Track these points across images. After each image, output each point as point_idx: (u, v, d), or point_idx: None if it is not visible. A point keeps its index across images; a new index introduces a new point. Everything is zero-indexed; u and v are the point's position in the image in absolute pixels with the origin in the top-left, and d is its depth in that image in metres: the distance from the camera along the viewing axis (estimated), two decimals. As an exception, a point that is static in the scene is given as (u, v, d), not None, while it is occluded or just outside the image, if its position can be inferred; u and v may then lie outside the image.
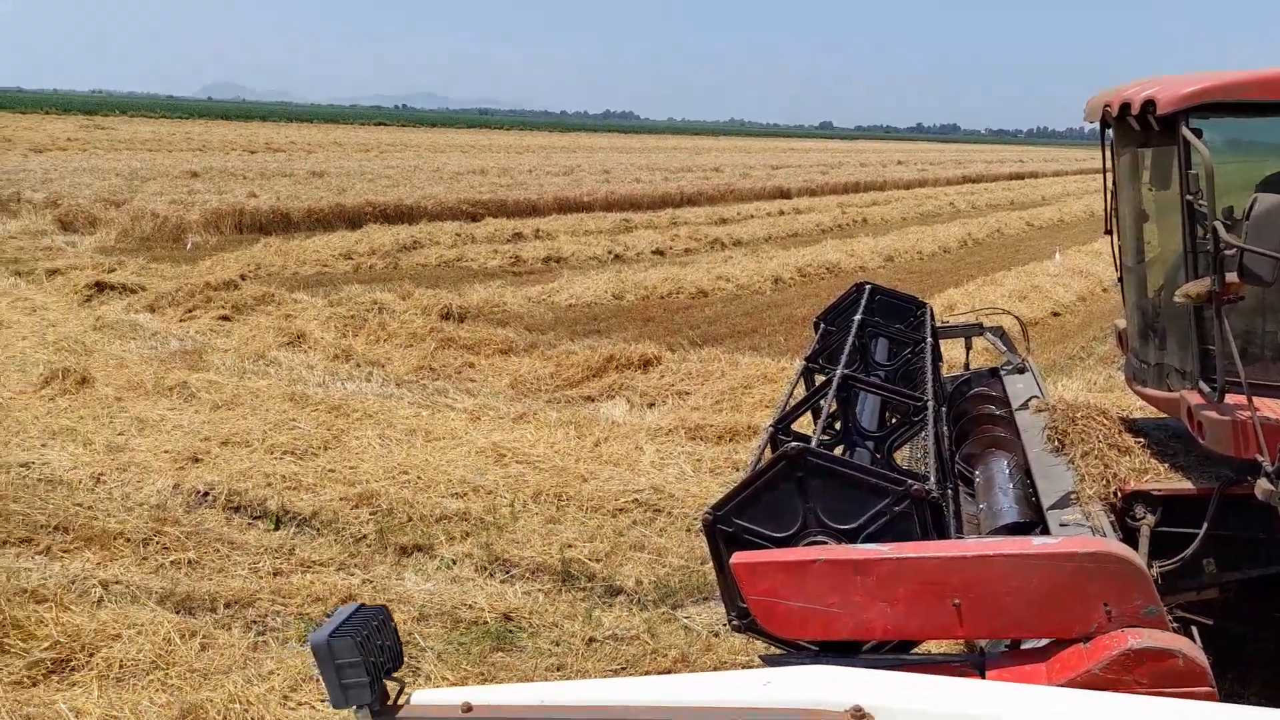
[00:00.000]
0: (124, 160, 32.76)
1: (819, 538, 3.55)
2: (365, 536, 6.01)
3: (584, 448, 7.50)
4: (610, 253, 18.91)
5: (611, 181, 31.89)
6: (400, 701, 1.67)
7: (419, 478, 6.78)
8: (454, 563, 5.67)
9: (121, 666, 4.24)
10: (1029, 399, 5.78)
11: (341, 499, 6.44)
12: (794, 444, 3.60)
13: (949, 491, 4.78)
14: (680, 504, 6.47)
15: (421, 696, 1.63)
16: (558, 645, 4.81)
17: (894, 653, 3.39)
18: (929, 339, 5.98)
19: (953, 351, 8.37)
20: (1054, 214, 30.26)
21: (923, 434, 4.65)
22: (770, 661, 3.57)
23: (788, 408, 4.76)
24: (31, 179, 24.16)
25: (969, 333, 7.05)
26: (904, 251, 20.32)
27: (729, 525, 3.62)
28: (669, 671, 4.53)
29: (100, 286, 13.20)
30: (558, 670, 4.54)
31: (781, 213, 27.81)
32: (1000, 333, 6.99)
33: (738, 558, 3.38)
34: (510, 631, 4.94)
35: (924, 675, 1.83)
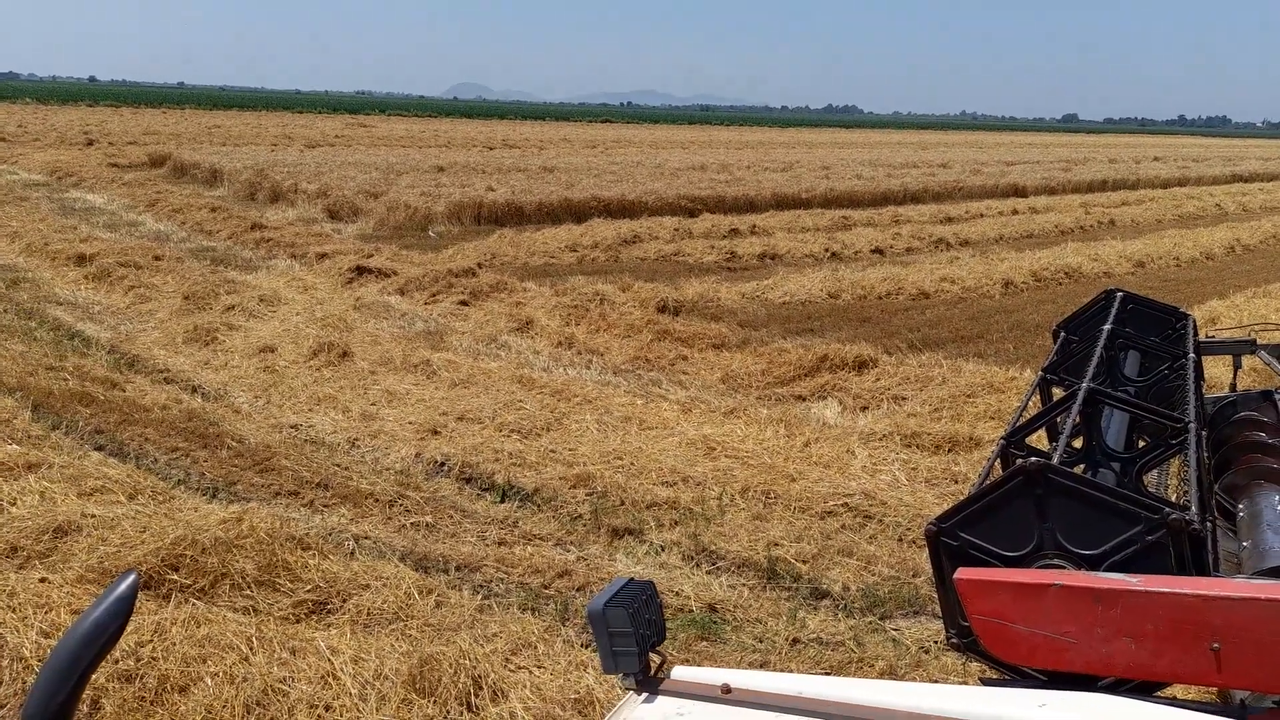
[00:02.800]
0: (382, 155, 36.16)
1: (1056, 561, 3.33)
2: (581, 516, 6.31)
3: (793, 447, 7.45)
4: (827, 250, 18.57)
5: (831, 178, 31.24)
6: (661, 675, 1.75)
7: (632, 464, 7.02)
8: (663, 549, 5.83)
9: (369, 614, 4.72)
10: (1317, 427, 5.10)
11: (561, 478, 6.79)
12: (1034, 459, 3.39)
13: (1209, 524, 4.32)
14: (892, 512, 6.28)
15: (682, 672, 1.69)
16: (761, 641, 4.83)
17: (1134, 694, 3.12)
18: (1190, 354, 5.42)
19: (1217, 370, 7.54)
20: (1348, 218, 26.29)
21: (1179, 459, 4.23)
22: (989, 684, 3.39)
23: (1021, 420, 4.48)
24: (306, 172, 27.23)
25: (1238, 350, 6.30)
26: (1158, 257, 18.44)
27: (954, 539, 3.46)
28: (878, 682, 4.43)
29: (360, 270, 14.68)
30: (761, 666, 4.56)
31: (1015, 212, 26.06)
32: (1276, 351, 6.20)
33: (964, 573, 3.23)
34: (715, 623, 5.02)
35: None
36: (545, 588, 5.29)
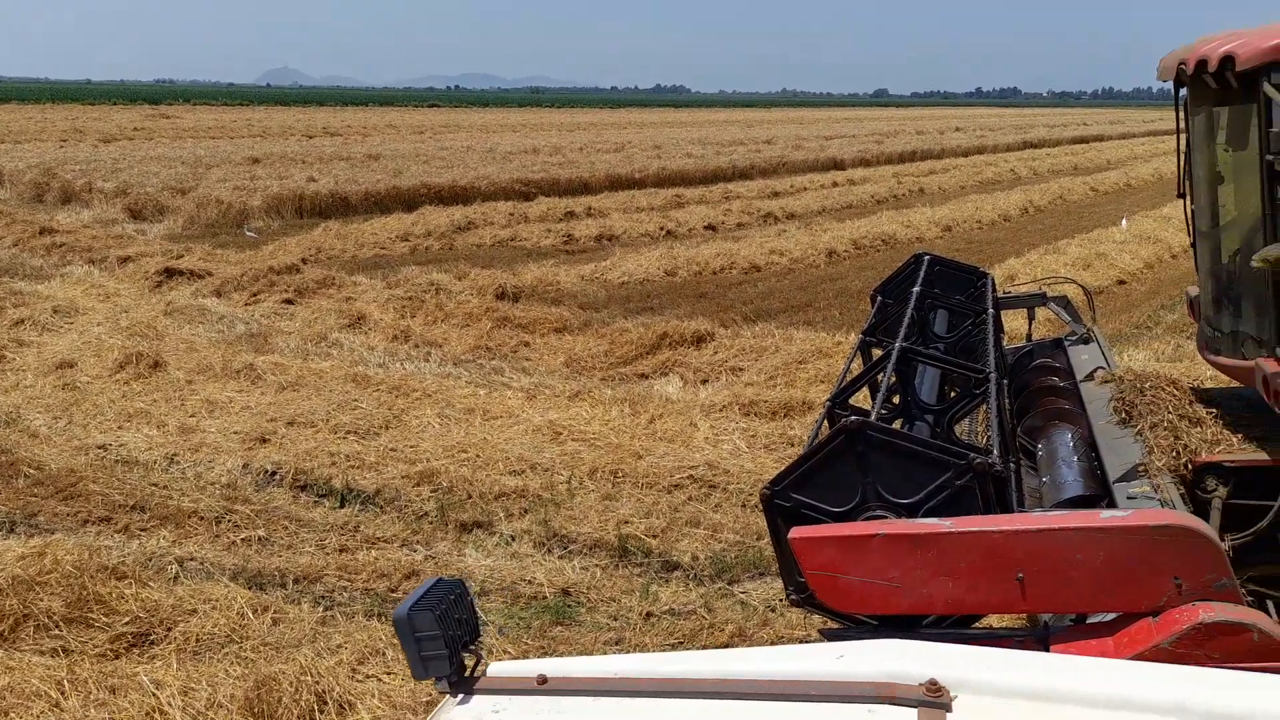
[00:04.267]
0: (188, 148, 33.66)
1: (879, 512, 3.53)
2: (427, 514, 6.15)
3: (638, 425, 7.55)
4: (662, 229, 18.86)
5: (663, 157, 31.73)
6: (477, 673, 1.70)
7: (478, 456, 6.91)
8: (513, 539, 5.77)
9: (198, 640, 4.42)
10: (1094, 370, 5.64)
11: (403, 477, 6.59)
12: (854, 418, 3.57)
13: (1011, 465, 4.71)
14: (735, 480, 6.48)
15: (497, 668, 1.66)
16: (615, 620, 4.88)
17: (955, 627, 3.36)
18: (990, 310, 5.86)
19: (1015, 322, 8.21)
20: (1120, 178, 29.25)
21: (984, 407, 4.58)
22: (830, 636, 3.57)
23: (845, 382, 4.72)
24: (102, 169, 24.96)
25: (1032, 303, 6.88)
26: (962, 221, 19.88)
27: (787, 500, 3.62)
28: (727, 646, 4.57)
29: (169, 273, 13.64)
30: (616, 644, 4.61)
31: (835, 184, 27.38)
32: (1064, 302, 6.81)
33: (796, 532, 3.38)
34: (569, 606, 5.02)
35: (998, 649, 1.81)
36: (392, 591, 5.13)
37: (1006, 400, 5.94)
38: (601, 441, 7.18)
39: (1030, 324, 6.99)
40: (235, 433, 7.42)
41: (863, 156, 35.09)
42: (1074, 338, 6.49)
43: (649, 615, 4.89)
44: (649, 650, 4.50)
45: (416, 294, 12.03)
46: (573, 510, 6.10)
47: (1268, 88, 3.74)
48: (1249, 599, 3.01)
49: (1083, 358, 6.08)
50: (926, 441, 3.62)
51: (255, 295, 12.46)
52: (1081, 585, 2.98)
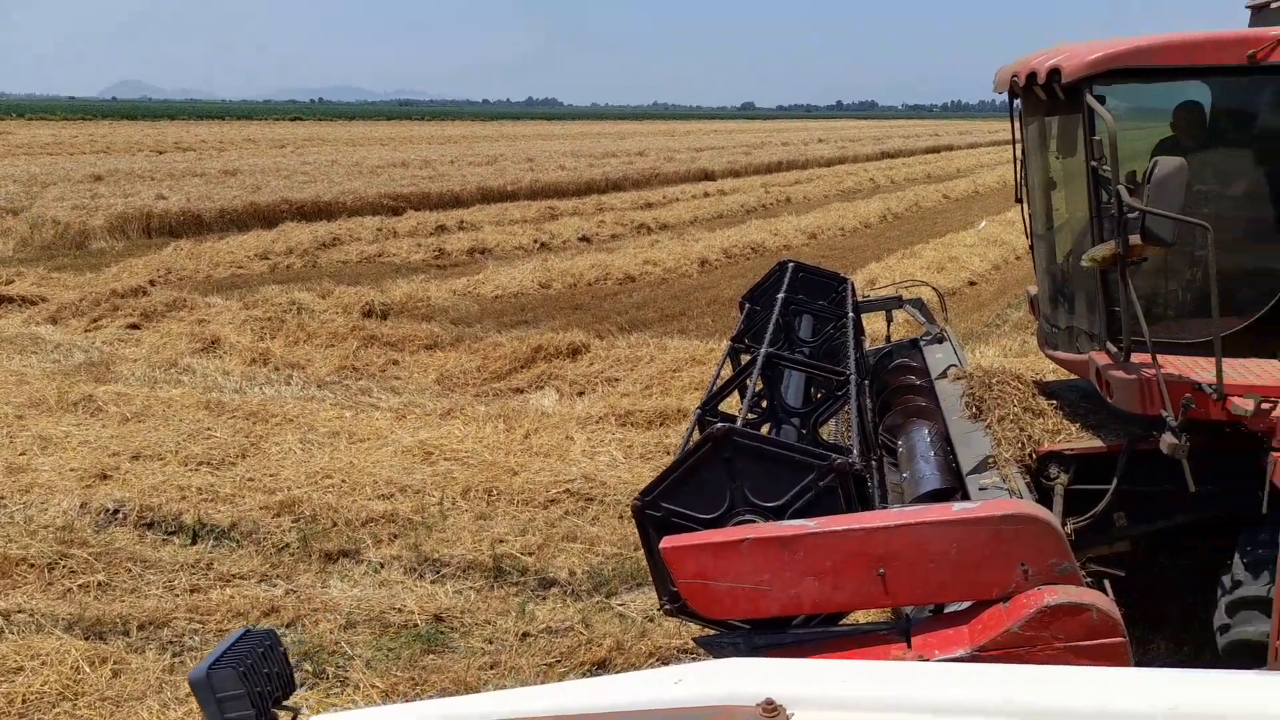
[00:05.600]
0: (21, 165, 31.14)
1: (747, 517, 3.55)
2: (288, 545, 5.83)
3: (514, 440, 7.41)
4: (536, 241, 18.73)
5: (535, 170, 31.58)
6: None
7: (343, 481, 6.61)
8: (382, 566, 5.54)
9: (25, 701, 4.01)
10: (947, 367, 5.91)
11: (262, 508, 6.23)
12: (720, 425, 3.59)
13: (873, 463, 4.85)
14: (612, 491, 6.44)
15: None
16: (491, 643, 4.74)
17: (823, 625, 3.42)
18: (850, 314, 6.06)
19: (876, 324, 8.53)
20: (969, 186, 31.05)
21: (846, 408, 4.70)
22: (703, 644, 3.57)
23: (714, 389, 4.76)
24: (-82, 188, 22.79)
25: (889, 305, 7.16)
26: (827, 228, 20.61)
27: (658, 510, 3.60)
28: (604, 661, 4.51)
29: (-4, 299, 12.54)
30: (491, 668, 4.48)
31: (706, 195, 27.92)
32: (919, 304, 7.12)
33: (667, 542, 3.36)
34: (442, 633, 4.85)
35: (834, 660, 1.84)
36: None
37: (868, 400, 6.16)
38: (475, 459, 7.01)
39: (889, 325, 7.27)
40: (72, 470, 6.84)
41: (732, 167, 35.95)
42: (929, 337, 6.78)
43: (525, 636, 4.78)
44: (524, 672, 4.39)
45: (277, 314, 11.47)
46: (445, 532, 5.91)
47: (1090, 99, 3.99)
48: (1088, 580, 3.18)
49: (937, 356, 6.36)
50: (790, 445, 3.67)
51: (96, 321, 11.59)
52: (938, 576, 3.08)
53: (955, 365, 5.89)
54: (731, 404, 4.87)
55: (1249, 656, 3.88)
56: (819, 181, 32.57)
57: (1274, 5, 4.77)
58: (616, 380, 9.19)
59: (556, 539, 5.85)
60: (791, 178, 34.15)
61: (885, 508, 4.24)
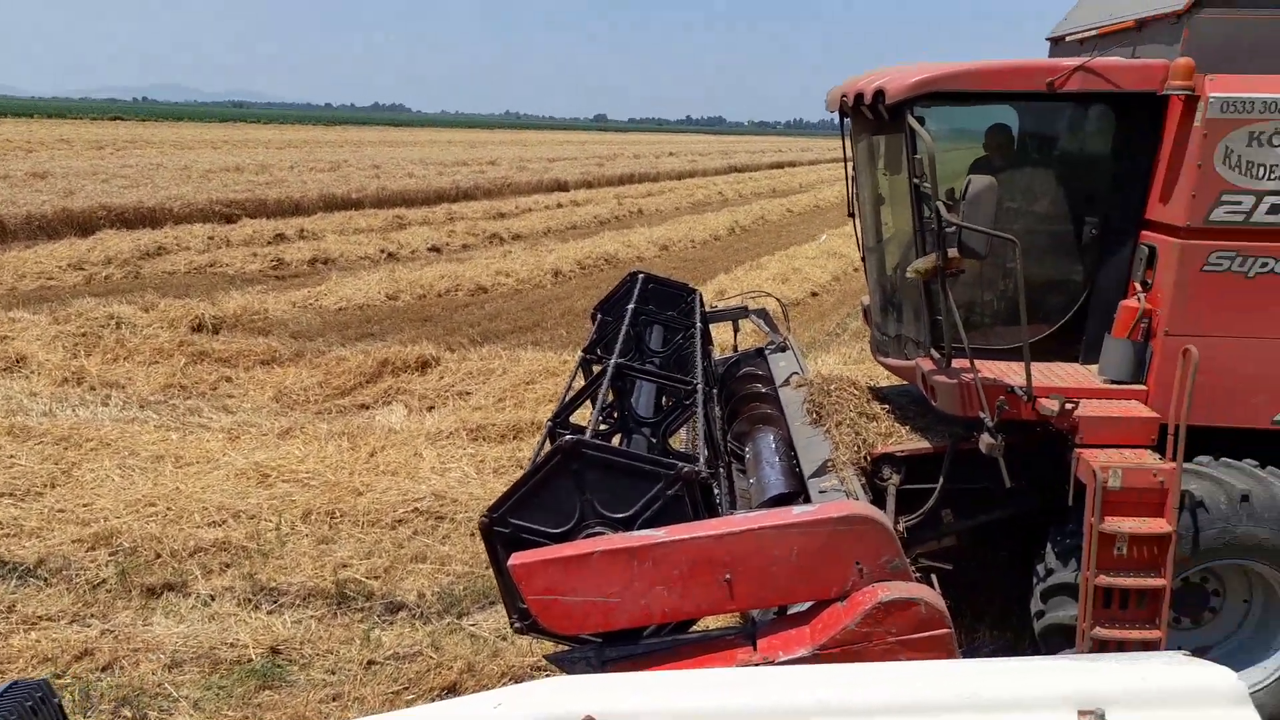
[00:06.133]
0: None
1: (597, 529, 3.54)
2: (104, 581, 5.34)
3: (358, 459, 7.11)
4: (383, 251, 18.14)
5: (382, 177, 30.61)
6: None
7: (168, 509, 6.13)
8: (212, 599, 5.16)
9: None
10: (790, 375, 6.13)
11: (74, 541, 5.69)
12: (568, 437, 3.56)
13: (721, 470, 4.96)
14: (464, 508, 6.29)
15: None
16: (333, 674, 4.50)
17: (674, 633, 3.45)
18: (698, 324, 6.19)
19: (725, 334, 8.74)
20: (811, 200, 32.50)
21: (695, 416, 4.78)
22: (555, 660, 3.52)
23: (566, 401, 4.74)
24: None
25: (735, 316, 7.38)
26: (678, 240, 21.03)
27: (506, 526, 3.53)
28: (455, 685, 4.37)
29: None
30: (334, 700, 4.25)
31: (560, 205, 27.91)
32: (764, 314, 7.37)
33: (516, 558, 3.30)
34: (279, 666, 4.56)
35: (653, 673, 1.86)
36: (58, 677, 4.37)
37: (716, 408, 6.30)
38: (317, 480, 6.67)
39: (735, 335, 7.48)
40: None
41: (585, 179, 36.12)
42: (773, 346, 7.02)
43: (371, 664, 4.57)
44: (369, 702, 4.20)
45: (92, 329, 10.55)
46: (283, 559, 5.59)
47: (911, 119, 4.24)
48: (918, 575, 3.36)
49: (781, 365, 6.59)
50: (638, 455, 3.69)
51: (-128, 339, 10.30)
52: (780, 579, 3.17)
53: (797, 373, 6.12)
54: (584, 415, 4.85)
55: (1062, 639, 4.20)
56: (670, 194, 33.22)
57: (1068, 39, 5.24)
58: (468, 394, 9.01)
59: (405, 560, 5.64)
60: (644, 190, 34.67)
61: (734, 513, 4.35)
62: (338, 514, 6.18)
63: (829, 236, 20.73)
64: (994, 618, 5.27)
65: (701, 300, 7.01)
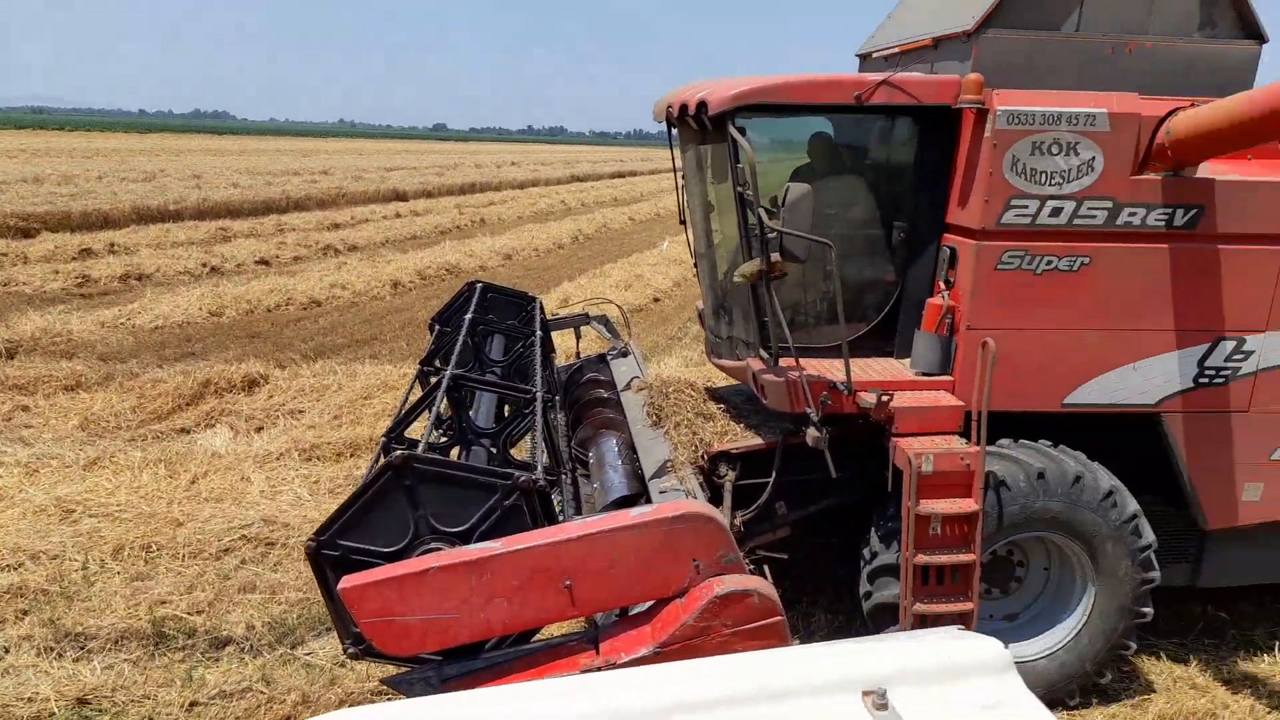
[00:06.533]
0: None
1: (433, 545, 3.46)
2: (-128, 642, 4.73)
3: (177, 487, 6.62)
4: (205, 265, 17.03)
5: (203, 187, 28.74)
6: None
7: (-49, 555, 5.50)
8: (7, 650, 4.66)
9: None
10: (631, 380, 6.22)
11: None
12: (398, 452, 3.46)
13: (564, 477, 4.96)
14: (296, 533, 5.98)
15: None
16: (151, 720, 4.17)
17: (516, 644, 3.41)
18: (538, 332, 6.17)
19: (569, 342, 8.75)
20: (652, 208, 33.12)
21: (536, 425, 4.76)
22: (392, 683, 3.40)
23: (402, 414, 4.60)
24: None
25: (577, 323, 7.41)
26: (521, 249, 20.89)
27: (335, 549, 3.38)
28: (289, 718, 4.15)
29: None
30: (152, 748, 3.94)
31: (398, 215, 27.14)
32: (605, 320, 7.44)
33: (346, 581, 3.17)
34: (87, 718, 4.18)
35: (467, 692, 1.84)
36: None
37: (559, 415, 6.30)
38: (130, 513, 6.16)
39: (578, 342, 7.51)
40: None
41: (425, 188, 35.29)
42: (615, 352, 7.10)
43: (194, 705, 4.25)
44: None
45: None
46: (90, 601, 5.12)
47: (733, 130, 4.39)
48: (751, 567, 3.47)
49: (622, 370, 6.67)
50: (471, 466, 3.63)
51: None
52: (620, 581, 3.19)
53: (638, 377, 6.21)
54: (422, 429, 4.72)
55: (889, 618, 4.45)
56: (513, 203, 32.97)
57: (874, 55, 5.58)
58: (301, 412, 8.58)
59: (231, 592, 5.30)
60: (486, 199, 34.24)
61: (577, 519, 4.36)
62: (154, 547, 5.73)
63: (670, 244, 21.17)
64: (828, 601, 5.52)
65: (542, 308, 6.99)
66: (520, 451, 5.05)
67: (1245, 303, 4.42)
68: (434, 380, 5.05)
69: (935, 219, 4.67)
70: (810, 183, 4.94)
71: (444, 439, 4.77)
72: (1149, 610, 4.51)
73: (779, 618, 3.17)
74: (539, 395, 4.68)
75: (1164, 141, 4.15)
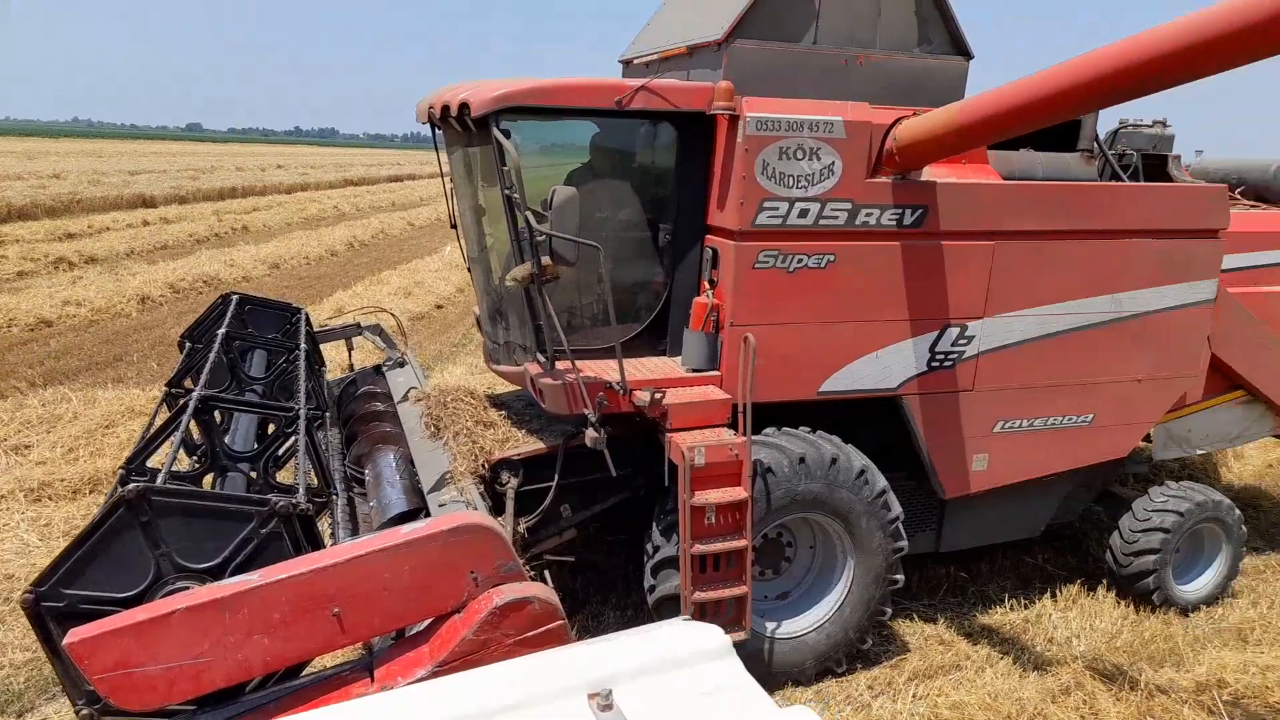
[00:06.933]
0: None
1: (180, 584, 3.14)
2: None
3: None
4: (-100, 284, 14.65)
5: (-104, 193, 24.74)
6: None
7: None
8: None
9: None
10: (409, 390, 6.00)
11: None
12: (131, 485, 3.11)
13: (335, 498, 4.70)
14: (24, 584, 5.25)
15: None
16: None
17: (283, 682, 3.18)
18: (303, 345, 5.80)
19: (342, 354, 8.31)
20: (433, 213, 32.25)
21: (299, 444, 4.46)
22: (134, 742, 3.07)
23: (144, 442, 4.15)
24: None
25: (348, 334, 7.05)
26: (290, 258, 19.65)
27: (59, 600, 3.00)
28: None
29: None
30: None
31: (146, 223, 24.67)
32: (379, 330, 7.13)
33: (73, 635, 2.81)
34: None
35: None
36: None
37: (330, 433, 5.96)
38: None
39: (350, 354, 7.15)
40: None
41: (177, 193, 32.33)
42: (391, 363, 6.83)
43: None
44: None
45: None
46: None
47: (496, 132, 4.33)
48: (531, 574, 3.44)
49: (399, 380, 6.43)
50: (221, 495, 3.34)
51: None
52: (394, 603, 3.05)
53: (415, 388, 6.00)
54: (180, 458, 4.29)
55: (673, 609, 4.58)
56: (280, 209, 30.95)
57: (635, 62, 5.73)
58: (28, 447, 7.56)
59: (-60, 661, 4.57)
60: (249, 205, 31.92)
61: (351, 541, 4.13)
62: None
63: (454, 248, 20.73)
64: (618, 598, 5.61)
65: (309, 319, 6.59)
66: (289, 475, 4.73)
67: (966, 293, 4.95)
68: (181, 402, 4.62)
69: (698, 221, 4.86)
70: (584, 185, 4.99)
71: (197, 466, 4.37)
72: (900, 577, 4.94)
73: (560, 622, 3.16)
74: (303, 412, 4.40)
75: (891, 147, 4.55)
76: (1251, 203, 6.75)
